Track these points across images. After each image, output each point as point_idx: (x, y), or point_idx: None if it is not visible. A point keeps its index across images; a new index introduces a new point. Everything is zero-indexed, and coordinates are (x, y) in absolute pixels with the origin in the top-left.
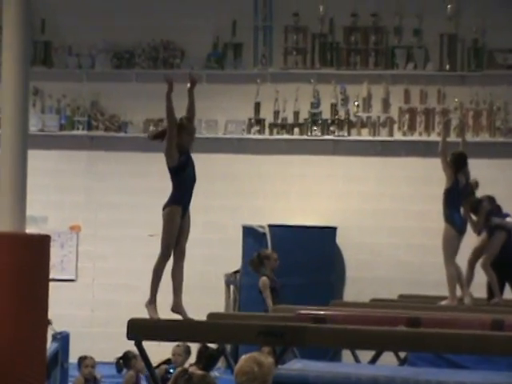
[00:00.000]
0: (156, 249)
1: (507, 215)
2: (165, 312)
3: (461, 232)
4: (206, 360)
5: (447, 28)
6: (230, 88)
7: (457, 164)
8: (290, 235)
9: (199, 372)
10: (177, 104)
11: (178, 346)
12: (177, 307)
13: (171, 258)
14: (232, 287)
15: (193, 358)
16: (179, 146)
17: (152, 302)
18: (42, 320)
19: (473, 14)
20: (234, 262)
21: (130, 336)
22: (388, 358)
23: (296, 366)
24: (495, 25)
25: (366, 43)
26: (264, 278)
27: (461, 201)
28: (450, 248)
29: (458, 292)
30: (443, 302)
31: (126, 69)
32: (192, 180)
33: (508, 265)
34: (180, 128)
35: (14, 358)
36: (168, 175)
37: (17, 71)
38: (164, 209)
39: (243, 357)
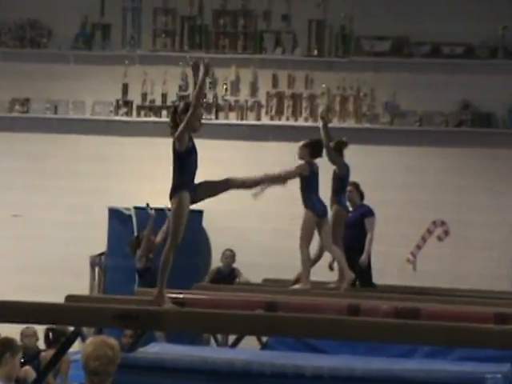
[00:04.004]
0: (20, 229)
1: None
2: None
3: (321, 215)
4: (57, 342)
5: (315, 14)
6: (97, 69)
7: (315, 151)
8: (156, 218)
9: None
10: (44, 84)
11: (27, 327)
12: None
13: None
14: (97, 269)
15: None
16: (188, 131)
17: (161, 291)
18: None
19: (341, 0)
20: (100, 244)
21: None
22: (252, 342)
23: (153, 349)
24: (363, 12)
25: (234, 27)
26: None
27: (318, 185)
28: (308, 232)
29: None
30: (296, 286)
31: None
32: (196, 166)
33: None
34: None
35: None
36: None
37: None
38: (172, 197)
39: (91, 341)
